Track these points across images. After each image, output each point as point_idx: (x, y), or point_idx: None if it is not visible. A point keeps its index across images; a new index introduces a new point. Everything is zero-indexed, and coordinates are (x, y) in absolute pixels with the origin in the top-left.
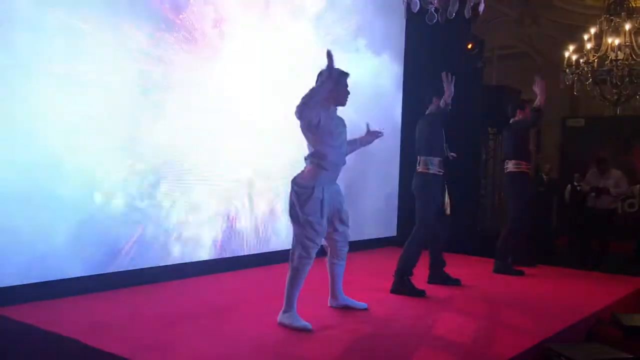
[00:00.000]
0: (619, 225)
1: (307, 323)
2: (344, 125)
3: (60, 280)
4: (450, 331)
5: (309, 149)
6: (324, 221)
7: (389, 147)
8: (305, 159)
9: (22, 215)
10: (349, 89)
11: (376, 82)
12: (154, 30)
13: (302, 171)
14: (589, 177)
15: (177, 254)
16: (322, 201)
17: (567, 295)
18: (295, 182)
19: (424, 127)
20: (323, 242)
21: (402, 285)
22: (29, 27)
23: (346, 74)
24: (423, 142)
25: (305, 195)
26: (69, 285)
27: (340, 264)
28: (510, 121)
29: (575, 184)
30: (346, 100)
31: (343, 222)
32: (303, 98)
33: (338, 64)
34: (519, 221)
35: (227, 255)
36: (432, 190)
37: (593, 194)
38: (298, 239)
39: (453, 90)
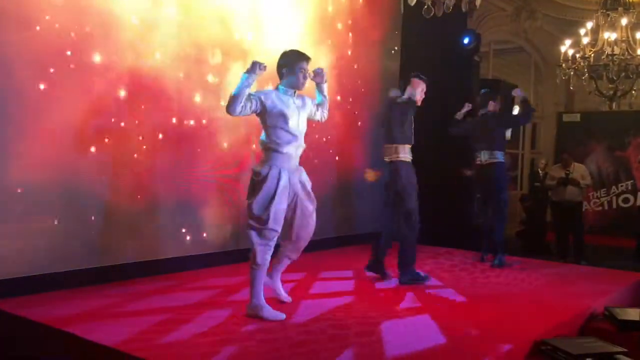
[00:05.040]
0: (617, 221)
1: (279, 312)
2: (303, 107)
3: (53, 274)
4: (443, 325)
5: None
6: (280, 206)
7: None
8: (260, 144)
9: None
10: (306, 72)
11: (372, 77)
12: None
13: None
14: (552, 171)
15: (172, 249)
16: (277, 184)
17: (561, 290)
18: (253, 169)
19: (398, 114)
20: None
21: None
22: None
23: (301, 58)
24: (398, 129)
25: (260, 180)
26: (60, 280)
27: (290, 257)
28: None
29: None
30: (301, 84)
31: (304, 214)
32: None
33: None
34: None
35: (221, 251)
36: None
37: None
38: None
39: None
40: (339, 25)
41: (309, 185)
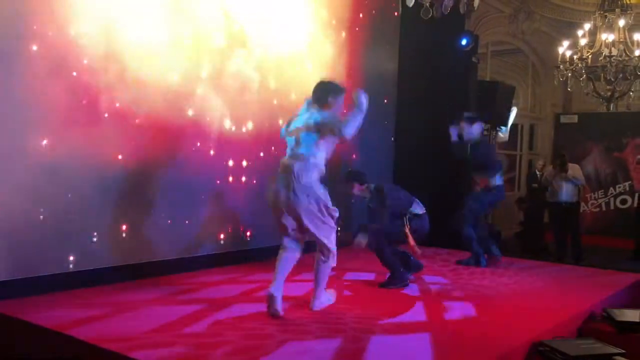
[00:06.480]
0: (615, 222)
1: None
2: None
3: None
4: (441, 326)
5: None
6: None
7: (383, 144)
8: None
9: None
10: None
11: (370, 79)
12: None
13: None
14: (547, 173)
15: (171, 249)
16: None
17: (559, 291)
18: None
19: None
20: None
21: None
22: None
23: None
24: None
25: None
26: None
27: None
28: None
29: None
30: None
31: None
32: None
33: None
34: None
35: (219, 251)
36: None
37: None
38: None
39: None
40: (334, 23)
41: None
